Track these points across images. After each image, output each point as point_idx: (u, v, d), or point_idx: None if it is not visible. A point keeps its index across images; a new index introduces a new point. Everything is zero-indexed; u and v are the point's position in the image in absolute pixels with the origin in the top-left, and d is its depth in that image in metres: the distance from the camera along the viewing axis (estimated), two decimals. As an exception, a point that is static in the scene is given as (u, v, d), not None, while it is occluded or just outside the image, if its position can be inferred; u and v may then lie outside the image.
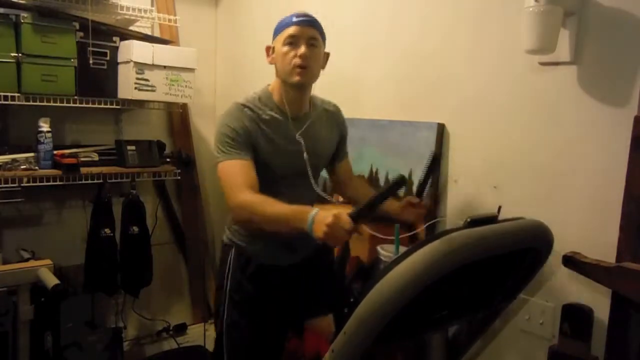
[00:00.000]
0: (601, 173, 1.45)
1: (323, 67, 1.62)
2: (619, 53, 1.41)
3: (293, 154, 1.60)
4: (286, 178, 1.61)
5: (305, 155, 1.59)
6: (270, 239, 1.57)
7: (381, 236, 1.62)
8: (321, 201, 1.66)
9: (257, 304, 1.63)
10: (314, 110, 1.68)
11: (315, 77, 1.59)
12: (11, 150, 2.16)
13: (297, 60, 1.51)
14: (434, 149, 1.80)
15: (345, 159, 1.81)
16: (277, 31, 1.57)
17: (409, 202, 1.65)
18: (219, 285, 1.69)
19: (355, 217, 1.28)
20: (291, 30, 1.52)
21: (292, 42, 1.52)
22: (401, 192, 1.81)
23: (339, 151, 1.77)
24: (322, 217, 1.29)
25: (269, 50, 1.61)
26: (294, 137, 1.59)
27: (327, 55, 1.63)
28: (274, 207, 1.42)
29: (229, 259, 1.66)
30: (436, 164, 1.79)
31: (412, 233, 1.69)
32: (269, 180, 1.58)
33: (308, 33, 1.53)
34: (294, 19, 1.53)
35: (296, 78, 1.53)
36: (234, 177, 1.50)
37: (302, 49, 1.51)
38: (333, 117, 1.74)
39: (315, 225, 1.30)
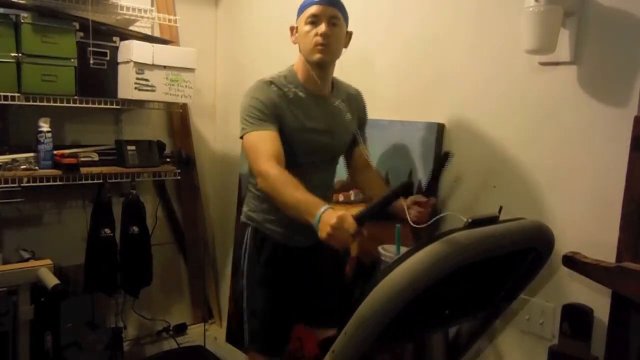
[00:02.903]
0: (601, 173, 1.45)
1: (346, 46, 1.66)
2: (619, 53, 1.41)
3: (312, 134, 1.62)
4: (302, 159, 1.62)
5: (324, 135, 1.62)
6: (286, 218, 1.56)
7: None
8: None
9: (271, 282, 1.67)
10: (337, 92, 1.72)
11: (335, 55, 1.62)
12: (11, 150, 2.16)
13: (317, 39, 1.55)
14: (434, 144, 1.80)
15: (362, 145, 1.78)
16: (300, 11, 1.62)
17: (415, 200, 1.57)
18: (236, 264, 1.75)
19: (360, 220, 1.27)
20: (312, 9, 1.56)
21: (314, 21, 1.56)
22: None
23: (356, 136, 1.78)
24: (328, 217, 1.28)
25: (293, 30, 1.65)
26: (315, 116, 1.63)
27: (350, 34, 1.66)
28: (292, 190, 1.41)
29: (245, 238, 1.70)
30: (445, 160, 1.63)
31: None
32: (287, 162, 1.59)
33: (329, 12, 1.56)
34: None
35: (316, 55, 1.57)
36: (260, 145, 1.51)
37: (322, 28, 1.55)
38: (355, 101, 1.77)
39: (321, 225, 1.30)
